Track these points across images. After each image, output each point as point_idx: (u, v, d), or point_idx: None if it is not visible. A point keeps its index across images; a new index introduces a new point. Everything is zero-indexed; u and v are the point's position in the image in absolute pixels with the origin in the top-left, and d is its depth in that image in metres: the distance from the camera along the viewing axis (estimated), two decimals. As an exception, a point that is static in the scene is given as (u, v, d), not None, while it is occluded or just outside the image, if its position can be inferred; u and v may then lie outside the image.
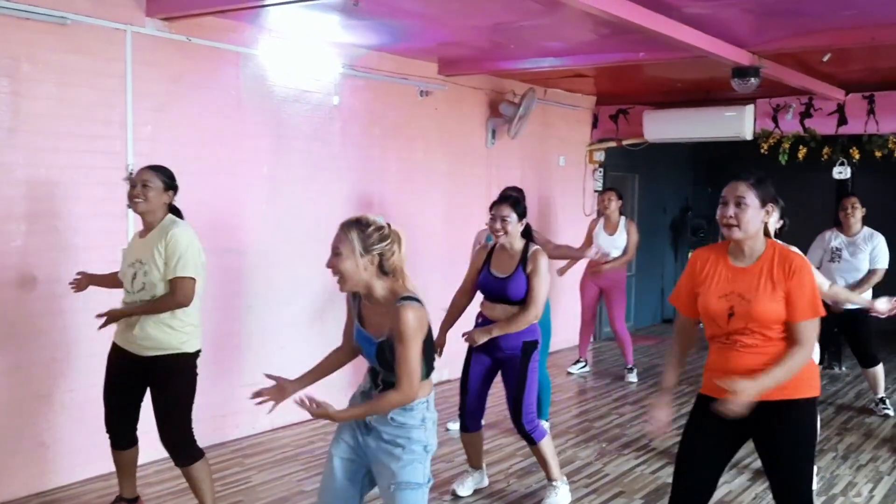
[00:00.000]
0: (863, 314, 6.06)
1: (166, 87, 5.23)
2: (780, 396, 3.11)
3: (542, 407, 5.87)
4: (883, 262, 6.45)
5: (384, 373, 3.02)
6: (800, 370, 3.11)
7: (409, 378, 2.89)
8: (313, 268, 6.31)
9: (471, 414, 4.67)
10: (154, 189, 3.94)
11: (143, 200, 3.92)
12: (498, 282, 4.52)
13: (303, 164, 6.19)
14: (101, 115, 4.91)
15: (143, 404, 4.12)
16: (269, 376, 3.13)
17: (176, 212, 4.08)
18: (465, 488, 4.79)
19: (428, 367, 3.01)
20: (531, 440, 4.57)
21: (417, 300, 2.92)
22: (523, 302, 4.46)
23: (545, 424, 5.87)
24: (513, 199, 4.56)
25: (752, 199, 3.12)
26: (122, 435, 4.17)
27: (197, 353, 4.07)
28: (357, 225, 2.93)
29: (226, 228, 5.61)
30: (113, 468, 4.32)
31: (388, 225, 2.97)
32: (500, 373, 4.62)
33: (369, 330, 3.03)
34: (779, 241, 3.34)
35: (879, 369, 6.66)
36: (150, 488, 4.74)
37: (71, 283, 4.30)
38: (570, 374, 7.98)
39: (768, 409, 3.10)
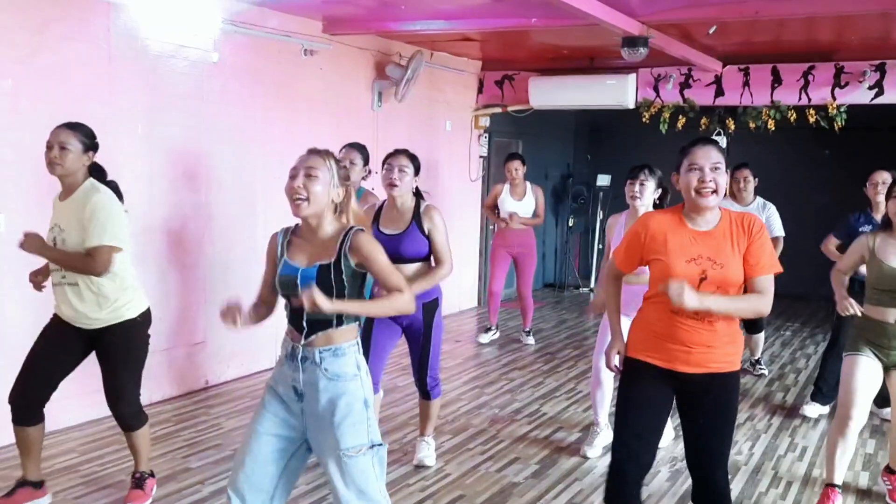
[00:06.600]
0: None
1: (30, 38, 4.78)
2: (712, 369, 3.05)
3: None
4: (778, 230, 6.53)
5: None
6: (751, 313, 3.12)
7: (399, 281, 2.93)
8: (195, 233, 6.01)
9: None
10: (73, 152, 3.71)
11: (61, 164, 3.70)
12: (389, 239, 4.27)
13: (180, 123, 5.82)
14: (-47, 66, 4.45)
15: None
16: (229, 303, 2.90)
17: (99, 170, 3.86)
18: None
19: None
20: (427, 395, 4.62)
21: None
22: (422, 260, 4.36)
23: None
24: (409, 152, 4.47)
25: (723, 163, 3.01)
26: (34, 408, 3.83)
27: (144, 316, 3.89)
28: (331, 155, 2.93)
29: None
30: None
31: None
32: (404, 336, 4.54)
33: (298, 261, 2.91)
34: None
35: (762, 335, 7.05)
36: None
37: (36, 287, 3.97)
38: (481, 343, 7.91)
39: (700, 379, 3.06)
